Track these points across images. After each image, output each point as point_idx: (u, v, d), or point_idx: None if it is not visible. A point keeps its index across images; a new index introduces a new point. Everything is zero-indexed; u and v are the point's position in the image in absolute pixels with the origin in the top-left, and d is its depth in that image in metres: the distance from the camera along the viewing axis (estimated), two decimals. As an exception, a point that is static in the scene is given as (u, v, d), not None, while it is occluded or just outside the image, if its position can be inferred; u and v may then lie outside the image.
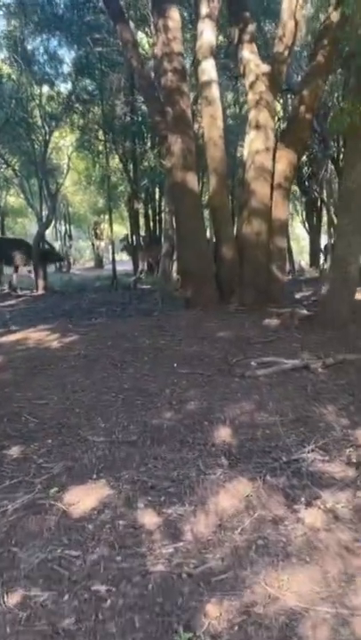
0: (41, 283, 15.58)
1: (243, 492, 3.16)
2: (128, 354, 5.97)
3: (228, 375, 5.32)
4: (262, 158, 8.35)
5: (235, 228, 9.05)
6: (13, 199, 28.62)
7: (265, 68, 8.49)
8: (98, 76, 14.78)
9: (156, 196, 21.72)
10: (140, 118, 15.85)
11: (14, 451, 3.80)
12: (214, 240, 9.91)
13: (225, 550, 2.65)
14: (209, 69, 8.55)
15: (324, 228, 24.02)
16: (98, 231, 33.65)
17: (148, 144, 15.64)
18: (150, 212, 21.97)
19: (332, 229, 19.13)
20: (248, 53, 8.63)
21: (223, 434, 3.99)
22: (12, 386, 5.15)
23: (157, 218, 22.05)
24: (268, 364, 5.49)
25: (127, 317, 9.05)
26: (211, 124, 8.61)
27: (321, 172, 17.78)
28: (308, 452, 3.62)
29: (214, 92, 8.63)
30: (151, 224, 21.93)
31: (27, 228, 34.93)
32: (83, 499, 3.15)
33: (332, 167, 18.19)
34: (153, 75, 9.30)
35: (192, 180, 8.47)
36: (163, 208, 18.19)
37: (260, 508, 2.99)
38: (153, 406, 4.56)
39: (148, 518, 2.95)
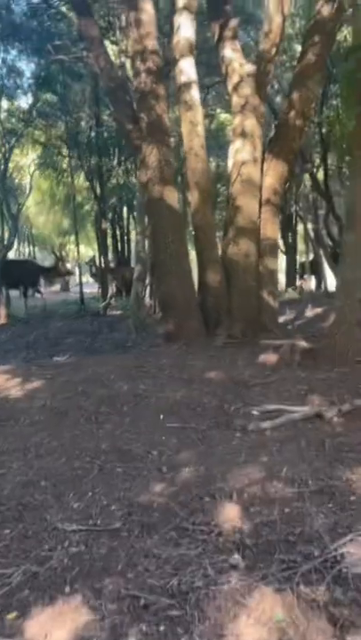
0: (2, 311, 14.56)
1: (271, 615, 2.27)
2: (103, 403, 5.01)
3: (227, 429, 4.41)
4: (249, 170, 7.56)
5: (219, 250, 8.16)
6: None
7: (250, 67, 7.73)
8: (60, 89, 14.00)
9: (124, 215, 20.99)
10: (106, 133, 15.11)
11: None
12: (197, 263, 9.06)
13: None
14: (188, 69, 7.71)
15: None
16: (63, 253, 32.86)
17: (115, 160, 14.86)
18: (118, 232, 21.16)
19: (310, 245, 18.55)
20: (231, 52, 7.89)
21: (230, 514, 3.07)
22: None
23: (126, 238, 21.29)
24: (274, 412, 4.58)
25: (99, 352, 8.13)
26: (191, 130, 7.76)
27: (300, 187, 17.18)
28: (347, 543, 2.73)
29: (194, 94, 7.79)
30: (119, 245, 21.10)
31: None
32: (51, 630, 2.24)
33: (309, 183, 17.48)
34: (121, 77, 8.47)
35: (171, 195, 7.61)
36: (133, 227, 17.48)
37: (301, 645, 2.10)
38: (138, 475, 3.64)
39: (146, 668, 2.05)
